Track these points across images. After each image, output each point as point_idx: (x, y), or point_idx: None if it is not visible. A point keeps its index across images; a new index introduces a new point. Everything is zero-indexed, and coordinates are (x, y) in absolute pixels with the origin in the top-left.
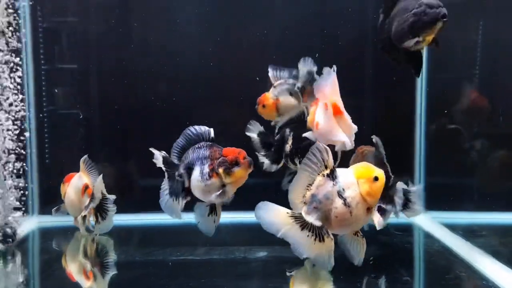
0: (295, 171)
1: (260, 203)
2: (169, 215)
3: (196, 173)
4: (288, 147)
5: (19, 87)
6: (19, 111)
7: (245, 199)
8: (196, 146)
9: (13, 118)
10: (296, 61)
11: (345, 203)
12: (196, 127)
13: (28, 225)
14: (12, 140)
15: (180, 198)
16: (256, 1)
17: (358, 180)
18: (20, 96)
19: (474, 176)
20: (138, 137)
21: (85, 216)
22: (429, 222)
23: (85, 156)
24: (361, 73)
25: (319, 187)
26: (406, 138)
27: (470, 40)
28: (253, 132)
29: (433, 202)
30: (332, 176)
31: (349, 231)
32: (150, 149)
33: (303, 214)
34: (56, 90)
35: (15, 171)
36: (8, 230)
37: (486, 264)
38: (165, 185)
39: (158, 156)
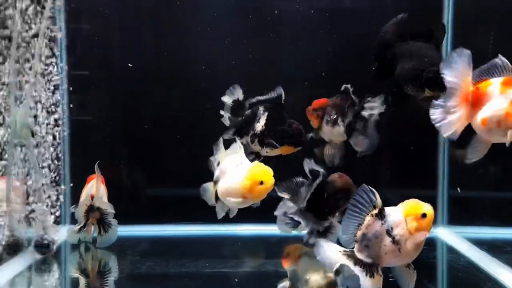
0: (257, 152)
1: (318, 241)
2: None
3: None
4: (259, 126)
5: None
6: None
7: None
8: None
9: (48, 125)
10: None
11: (394, 241)
12: None
13: (60, 234)
14: (49, 148)
15: None
16: (280, 16)
17: (406, 218)
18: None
19: (497, 191)
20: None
21: (81, 227)
22: (452, 236)
23: (96, 163)
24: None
25: (368, 226)
26: (429, 151)
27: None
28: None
29: (456, 216)
30: (380, 215)
31: (400, 264)
32: None
33: (355, 252)
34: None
35: (51, 180)
36: (46, 240)
37: None
38: None
39: None
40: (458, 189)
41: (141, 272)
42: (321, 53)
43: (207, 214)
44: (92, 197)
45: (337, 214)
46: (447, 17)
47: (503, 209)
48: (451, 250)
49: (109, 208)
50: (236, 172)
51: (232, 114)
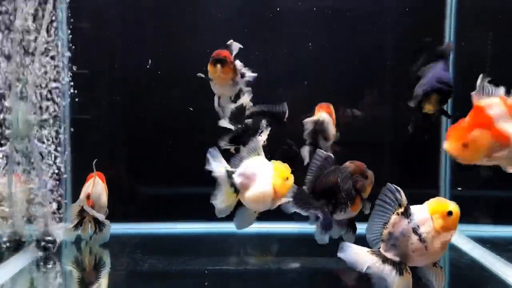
0: None
1: (342, 244)
2: None
3: None
4: (260, 139)
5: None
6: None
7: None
8: None
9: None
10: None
11: (420, 239)
12: None
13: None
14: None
15: None
16: (282, 15)
17: (432, 215)
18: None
19: (499, 189)
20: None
21: (76, 225)
22: (455, 235)
23: (94, 162)
24: (387, 82)
25: (394, 225)
26: (432, 150)
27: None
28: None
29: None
30: (406, 213)
31: (427, 263)
32: None
33: (382, 251)
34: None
35: (53, 177)
36: (49, 238)
37: None
38: None
39: None
40: (459, 188)
41: (143, 269)
42: (321, 53)
43: (208, 212)
44: (88, 196)
45: (359, 203)
46: (450, 16)
47: (505, 207)
48: (454, 249)
49: (99, 215)
50: (263, 174)
51: (232, 119)
